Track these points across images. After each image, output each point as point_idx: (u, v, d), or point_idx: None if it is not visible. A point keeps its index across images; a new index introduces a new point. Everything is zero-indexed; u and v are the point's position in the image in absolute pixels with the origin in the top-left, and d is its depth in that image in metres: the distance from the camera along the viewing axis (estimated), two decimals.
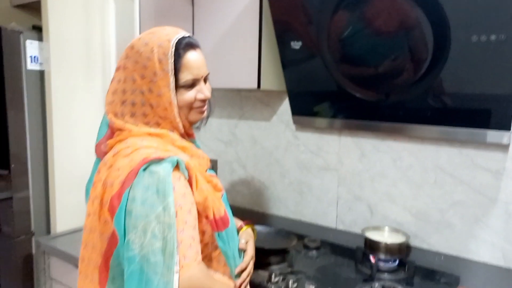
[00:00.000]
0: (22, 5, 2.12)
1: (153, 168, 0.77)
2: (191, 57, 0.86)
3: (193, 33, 1.58)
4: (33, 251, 1.76)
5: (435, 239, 1.37)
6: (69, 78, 1.75)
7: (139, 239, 0.74)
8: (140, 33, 1.77)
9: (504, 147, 1.23)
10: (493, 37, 1.06)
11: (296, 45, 1.41)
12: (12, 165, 1.69)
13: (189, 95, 0.87)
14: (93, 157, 0.93)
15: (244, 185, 1.85)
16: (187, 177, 0.82)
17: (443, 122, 1.27)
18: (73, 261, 1.52)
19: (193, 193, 0.82)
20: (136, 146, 0.81)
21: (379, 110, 1.38)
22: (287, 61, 1.48)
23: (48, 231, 1.78)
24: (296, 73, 1.50)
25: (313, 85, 1.49)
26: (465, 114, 1.22)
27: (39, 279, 1.75)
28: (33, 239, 1.75)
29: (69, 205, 1.75)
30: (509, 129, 1.17)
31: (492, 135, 1.20)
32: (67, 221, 1.75)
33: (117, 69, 0.89)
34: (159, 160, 0.79)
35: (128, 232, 0.75)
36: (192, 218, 0.79)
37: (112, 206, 0.77)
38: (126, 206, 0.76)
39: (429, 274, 1.32)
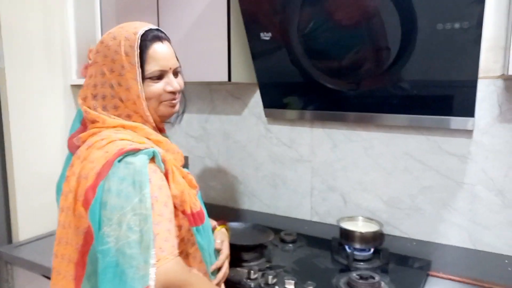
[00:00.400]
0: None
1: (129, 159, 0.76)
2: (158, 48, 0.86)
3: (158, 25, 1.52)
4: None
5: (406, 225, 1.40)
6: (27, 74, 1.65)
7: (114, 231, 0.72)
8: (101, 27, 1.69)
9: (468, 133, 1.27)
10: (457, 25, 1.08)
11: (265, 36, 1.39)
12: None
13: (156, 87, 0.87)
14: (56, 155, 0.90)
15: (217, 180, 1.82)
16: (163, 170, 0.81)
17: (411, 111, 1.29)
18: (38, 270, 1.44)
19: (169, 187, 0.82)
20: (111, 138, 0.80)
21: (349, 100, 1.39)
22: (257, 52, 1.46)
23: (9, 240, 1.67)
24: (266, 65, 1.49)
25: (284, 76, 1.48)
26: (431, 102, 1.26)
27: None
28: None
29: (33, 210, 1.65)
30: (473, 115, 1.21)
31: (457, 121, 1.23)
32: (31, 228, 1.65)
33: (90, 64, 0.90)
34: (135, 152, 0.78)
35: (102, 225, 0.73)
36: (168, 211, 0.78)
37: (87, 199, 0.75)
38: (101, 198, 0.74)
39: (403, 260, 1.35)
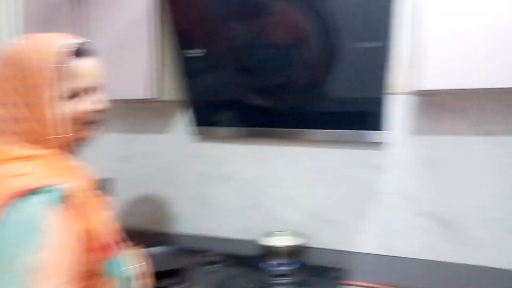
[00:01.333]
0: None
1: (26, 199, 0.66)
2: (79, 63, 0.77)
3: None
4: None
5: (327, 237, 1.45)
6: None
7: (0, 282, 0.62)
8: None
9: (383, 145, 1.37)
10: (367, 44, 1.18)
11: (192, 53, 1.42)
12: None
13: (74, 107, 0.76)
14: None
15: (144, 203, 1.75)
16: (71, 207, 0.72)
17: (332, 126, 1.38)
18: None
19: (78, 223, 0.73)
20: (10, 174, 0.69)
21: (276, 117, 1.45)
22: (185, 69, 1.47)
23: None
24: (194, 83, 1.51)
25: (210, 94, 1.51)
26: (349, 117, 1.35)
27: None
28: None
29: None
30: (387, 129, 1.32)
31: (372, 135, 1.34)
32: None
33: None
34: (33, 191, 0.67)
35: None
36: (65, 259, 0.68)
37: None
38: None
39: (322, 271, 1.38)
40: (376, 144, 1.37)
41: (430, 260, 1.31)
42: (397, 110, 1.34)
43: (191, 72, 1.47)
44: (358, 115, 1.34)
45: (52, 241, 0.66)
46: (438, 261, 1.30)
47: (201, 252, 1.53)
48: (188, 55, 1.42)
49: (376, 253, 1.37)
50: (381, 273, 1.33)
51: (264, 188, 1.54)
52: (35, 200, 0.67)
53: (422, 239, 1.32)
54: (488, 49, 0.99)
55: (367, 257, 1.37)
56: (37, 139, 0.74)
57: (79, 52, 0.77)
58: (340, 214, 1.43)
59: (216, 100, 1.53)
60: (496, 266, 1.24)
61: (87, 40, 0.81)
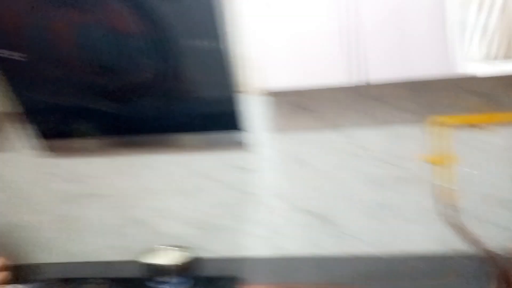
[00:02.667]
0: None
1: None
2: None
3: None
4: None
5: (214, 245, 1.35)
6: None
7: None
8: None
9: (244, 146, 1.26)
10: (206, 43, 1.06)
11: (12, 56, 1.11)
12: None
13: None
14: None
15: (1, 234, 1.44)
16: None
17: (192, 129, 1.23)
18: None
19: None
20: None
21: (134, 123, 1.25)
22: (7, 76, 1.15)
23: None
24: (24, 90, 1.20)
25: (49, 101, 1.23)
26: (205, 119, 1.21)
27: None
28: None
29: None
30: (246, 129, 1.21)
31: (231, 135, 1.23)
32: None
33: None
34: None
35: None
36: None
37: None
38: None
39: (215, 282, 1.28)
40: (240, 145, 1.27)
41: (317, 256, 1.30)
42: (255, 109, 1.24)
43: (15, 78, 1.17)
44: (214, 115, 1.20)
45: None
46: (325, 256, 1.29)
47: (80, 280, 1.32)
48: (5, 57, 1.11)
49: (265, 255, 1.31)
50: (273, 275, 1.27)
51: (137, 201, 1.36)
52: None
53: (305, 235, 1.29)
54: (313, 49, 0.96)
55: (257, 261, 1.31)
56: None
57: None
58: (222, 220, 1.32)
59: (58, 109, 1.25)
60: (371, 253, 1.28)
61: None
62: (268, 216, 1.30)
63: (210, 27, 1.04)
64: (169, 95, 1.17)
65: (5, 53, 1.11)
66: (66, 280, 1.26)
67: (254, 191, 1.29)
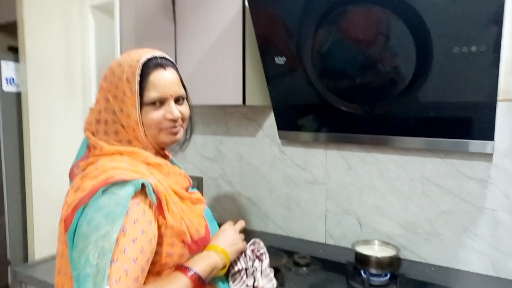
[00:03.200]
0: None
1: (114, 189, 0.74)
2: (158, 75, 0.85)
3: (175, 51, 1.57)
4: (9, 281, 1.66)
5: (424, 250, 1.36)
6: (48, 99, 1.71)
7: (78, 259, 0.70)
8: (121, 52, 1.75)
9: (488, 156, 1.24)
10: (473, 48, 1.08)
11: (279, 60, 1.41)
12: None
13: (155, 114, 0.85)
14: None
15: (230, 201, 1.82)
16: (155, 201, 0.78)
17: (428, 133, 1.28)
18: None
19: (164, 217, 0.79)
20: (104, 168, 0.79)
21: (364, 123, 1.38)
22: (271, 76, 1.47)
23: (25, 259, 1.69)
24: (281, 88, 1.50)
25: (298, 99, 1.49)
26: (448, 124, 1.24)
27: None
28: (9, 268, 1.65)
29: (48, 231, 1.67)
30: (493, 139, 1.19)
31: (476, 144, 1.21)
32: (46, 248, 1.68)
33: (98, 90, 0.90)
34: (122, 182, 0.75)
35: (73, 250, 0.72)
36: (134, 248, 0.72)
37: (66, 224, 0.75)
38: (76, 223, 0.73)
39: (421, 286, 1.31)
40: (481, 155, 1.24)
41: None
42: (505, 118, 1.19)
43: (275, 78, 1.47)
44: (460, 122, 1.21)
45: (124, 228, 0.72)
46: None
47: (290, 253, 1.55)
48: (273, 62, 1.41)
49: (482, 272, 1.25)
50: None
51: (352, 194, 1.50)
52: (123, 189, 0.74)
53: None
54: None
55: (471, 276, 1.26)
56: (122, 139, 0.85)
57: (158, 65, 0.86)
58: (440, 228, 1.32)
59: (300, 105, 1.50)
60: None
61: (164, 55, 0.89)
62: (494, 233, 1.24)
63: (484, 32, 1.04)
64: (411, 99, 1.24)
65: (272, 59, 1.43)
66: (280, 250, 1.49)
67: (483, 204, 1.25)
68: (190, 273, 0.79)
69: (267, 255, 1.00)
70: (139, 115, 0.83)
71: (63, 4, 1.76)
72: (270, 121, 1.67)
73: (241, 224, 1.02)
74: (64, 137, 1.76)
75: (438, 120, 1.24)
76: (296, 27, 1.32)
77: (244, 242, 0.97)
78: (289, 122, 1.58)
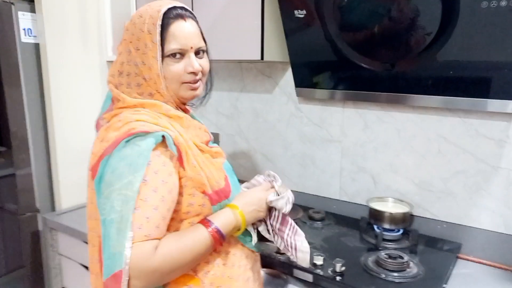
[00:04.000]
0: None
1: (137, 141, 0.77)
2: (179, 26, 0.84)
3: (191, 4, 1.53)
4: (40, 228, 1.77)
5: (437, 208, 1.39)
6: (65, 51, 1.71)
7: (103, 205, 0.75)
8: (136, 4, 1.72)
9: (508, 116, 1.23)
10: (503, 3, 1.04)
11: (299, 13, 1.38)
12: (13, 142, 1.67)
13: (176, 67, 0.85)
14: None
15: (246, 158, 1.85)
16: (176, 153, 0.80)
17: (446, 92, 1.26)
18: (80, 236, 1.54)
19: (184, 169, 0.81)
20: (127, 120, 0.81)
21: (383, 80, 1.36)
22: (290, 30, 1.44)
23: (53, 207, 1.78)
24: (299, 44, 1.47)
25: (316, 55, 1.47)
26: (468, 83, 1.21)
27: (48, 255, 1.77)
28: (39, 216, 1.75)
29: (73, 181, 1.75)
30: (509, 98, 1.16)
31: (495, 104, 1.19)
32: (72, 197, 1.76)
33: (120, 42, 0.90)
34: (144, 134, 0.78)
35: (99, 197, 0.76)
36: (155, 197, 0.75)
37: (93, 172, 0.79)
38: (102, 172, 0.77)
39: (432, 242, 1.35)
40: (500, 114, 1.23)
41: None
42: None
43: (294, 33, 1.44)
44: (480, 81, 1.18)
45: (146, 178, 0.75)
46: None
47: (305, 208, 1.60)
48: (292, 16, 1.38)
49: (493, 230, 1.28)
50: (500, 252, 1.24)
51: (367, 152, 1.51)
52: (145, 141, 0.77)
53: None
54: None
55: (482, 233, 1.29)
56: (144, 92, 0.86)
57: (179, 15, 0.85)
58: (454, 187, 1.34)
59: (319, 61, 1.48)
60: None
61: (184, 5, 0.88)
62: (507, 192, 1.25)
63: None
64: (432, 57, 1.21)
65: (291, 13, 1.39)
66: (294, 205, 1.52)
67: (499, 164, 1.26)
68: (211, 227, 0.82)
69: (277, 178, 0.98)
70: (160, 68, 0.84)
71: None
72: (287, 78, 1.66)
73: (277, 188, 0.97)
74: (83, 89, 1.78)
75: (458, 79, 1.22)
76: None
77: (267, 212, 0.94)
78: (307, 79, 1.56)
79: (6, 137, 1.69)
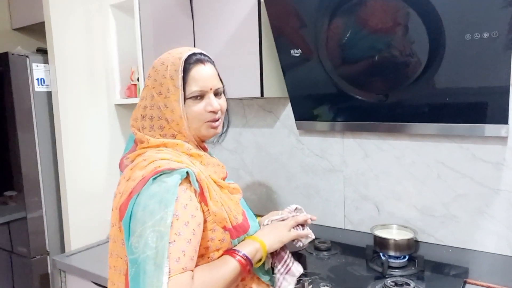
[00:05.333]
0: (22, 28, 2.17)
1: (163, 178, 0.80)
2: (198, 70, 0.91)
3: (194, 45, 1.62)
4: (49, 270, 1.78)
5: (441, 233, 1.40)
6: (75, 97, 1.79)
7: (136, 243, 0.76)
8: (142, 50, 1.82)
9: (503, 139, 1.27)
10: (485, 35, 1.10)
11: (295, 52, 1.46)
12: (25, 186, 1.72)
13: (198, 107, 0.91)
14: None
15: (251, 191, 1.89)
16: (198, 189, 0.84)
17: (442, 119, 1.31)
18: (89, 277, 1.55)
19: (207, 205, 0.85)
20: (152, 159, 0.85)
21: (379, 110, 1.42)
22: (288, 68, 1.52)
23: (62, 249, 1.80)
24: (297, 79, 1.54)
25: (314, 89, 1.53)
26: (462, 109, 1.26)
27: None
28: (49, 258, 1.77)
29: (82, 222, 1.78)
30: (507, 122, 1.21)
31: (490, 128, 1.24)
32: (81, 239, 1.78)
33: (143, 88, 0.97)
34: (170, 171, 0.81)
35: (130, 235, 0.78)
36: (188, 231, 0.78)
37: (121, 212, 0.82)
38: (131, 211, 0.79)
39: (438, 267, 1.35)
40: (495, 138, 1.27)
41: None
42: None
43: (291, 70, 1.51)
44: (474, 107, 1.23)
45: (176, 213, 0.78)
46: None
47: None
48: (288, 54, 1.46)
49: (499, 253, 1.28)
50: (507, 275, 1.25)
51: (369, 180, 1.55)
52: (171, 177, 0.81)
53: None
54: None
55: (488, 257, 1.30)
56: (167, 134, 0.92)
57: (198, 60, 0.92)
58: (456, 211, 1.36)
59: (316, 95, 1.54)
60: None
61: (202, 51, 0.95)
62: (509, 214, 1.27)
63: (496, 17, 1.06)
64: (425, 87, 1.27)
65: (288, 51, 1.47)
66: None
67: (499, 186, 1.29)
68: (238, 255, 0.86)
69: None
70: (183, 109, 0.89)
71: (84, 4, 1.83)
72: (287, 112, 1.72)
73: (298, 219, 1.08)
74: (92, 133, 1.85)
75: (452, 106, 1.27)
76: (311, 18, 1.35)
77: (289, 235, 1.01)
78: (306, 112, 1.62)
79: (18, 182, 1.75)
